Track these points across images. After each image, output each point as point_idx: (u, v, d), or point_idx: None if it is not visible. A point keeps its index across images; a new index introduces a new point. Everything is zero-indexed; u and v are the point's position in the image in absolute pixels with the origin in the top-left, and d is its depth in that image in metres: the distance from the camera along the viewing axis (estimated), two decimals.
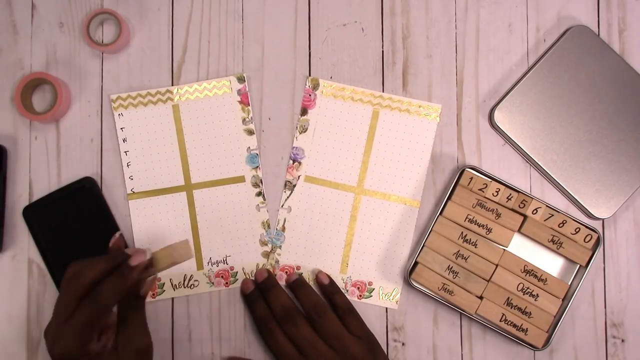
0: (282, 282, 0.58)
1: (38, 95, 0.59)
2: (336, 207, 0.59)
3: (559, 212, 0.57)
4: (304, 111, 0.60)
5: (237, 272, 0.59)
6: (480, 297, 0.56)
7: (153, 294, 0.58)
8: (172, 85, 0.60)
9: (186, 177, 0.59)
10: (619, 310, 0.59)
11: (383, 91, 0.60)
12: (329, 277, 0.58)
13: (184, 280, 0.58)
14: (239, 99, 0.60)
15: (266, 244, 0.59)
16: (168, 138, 0.59)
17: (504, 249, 0.57)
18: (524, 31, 0.61)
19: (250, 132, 0.59)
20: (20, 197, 0.59)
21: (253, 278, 0.58)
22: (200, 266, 0.58)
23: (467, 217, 0.57)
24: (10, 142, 0.59)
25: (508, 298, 0.56)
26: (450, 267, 0.56)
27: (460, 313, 0.57)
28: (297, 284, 0.57)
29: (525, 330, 0.55)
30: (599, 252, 0.57)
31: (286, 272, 0.58)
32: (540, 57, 0.59)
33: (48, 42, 0.60)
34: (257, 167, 0.59)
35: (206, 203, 0.59)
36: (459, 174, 0.57)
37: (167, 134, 0.59)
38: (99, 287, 0.43)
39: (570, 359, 0.58)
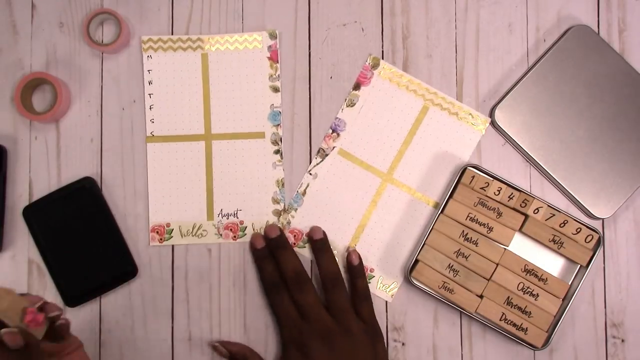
0: (292, 241, 0.58)
1: (38, 95, 0.59)
2: (360, 188, 0.59)
3: (560, 212, 0.57)
4: (356, 86, 0.60)
5: (246, 227, 0.59)
6: (481, 296, 0.56)
7: (160, 239, 0.58)
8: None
9: (207, 126, 0.59)
10: (619, 310, 0.59)
11: None
12: (360, 258, 0.57)
13: (193, 229, 0.58)
14: (268, 55, 0.60)
15: (278, 202, 0.59)
16: (193, 86, 0.59)
17: (505, 248, 0.57)
18: (524, 31, 0.61)
19: (275, 90, 0.59)
20: (20, 197, 0.58)
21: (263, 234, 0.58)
22: (210, 216, 0.59)
23: (468, 216, 0.57)
24: (10, 142, 0.59)
25: (508, 297, 0.56)
26: (450, 265, 0.56)
27: (460, 312, 0.57)
28: (320, 246, 0.57)
29: (525, 330, 0.55)
30: (599, 252, 0.57)
31: (294, 236, 0.58)
32: (541, 57, 0.59)
33: (48, 42, 0.60)
34: (279, 124, 0.59)
35: (224, 154, 0.59)
36: (460, 173, 0.57)
37: (192, 82, 0.59)
38: None
39: (570, 358, 0.58)
